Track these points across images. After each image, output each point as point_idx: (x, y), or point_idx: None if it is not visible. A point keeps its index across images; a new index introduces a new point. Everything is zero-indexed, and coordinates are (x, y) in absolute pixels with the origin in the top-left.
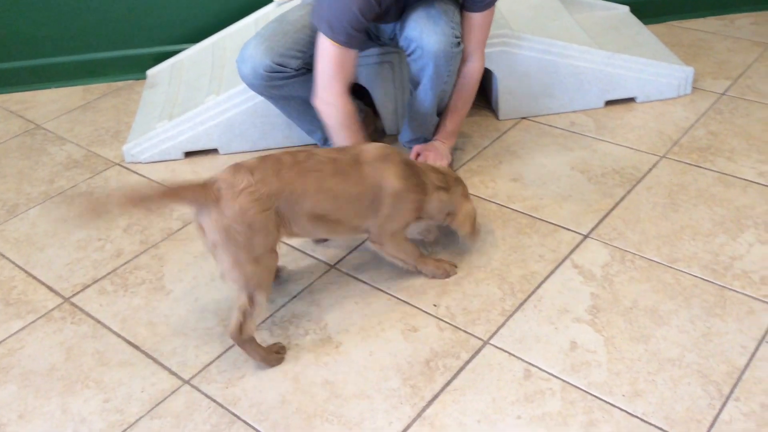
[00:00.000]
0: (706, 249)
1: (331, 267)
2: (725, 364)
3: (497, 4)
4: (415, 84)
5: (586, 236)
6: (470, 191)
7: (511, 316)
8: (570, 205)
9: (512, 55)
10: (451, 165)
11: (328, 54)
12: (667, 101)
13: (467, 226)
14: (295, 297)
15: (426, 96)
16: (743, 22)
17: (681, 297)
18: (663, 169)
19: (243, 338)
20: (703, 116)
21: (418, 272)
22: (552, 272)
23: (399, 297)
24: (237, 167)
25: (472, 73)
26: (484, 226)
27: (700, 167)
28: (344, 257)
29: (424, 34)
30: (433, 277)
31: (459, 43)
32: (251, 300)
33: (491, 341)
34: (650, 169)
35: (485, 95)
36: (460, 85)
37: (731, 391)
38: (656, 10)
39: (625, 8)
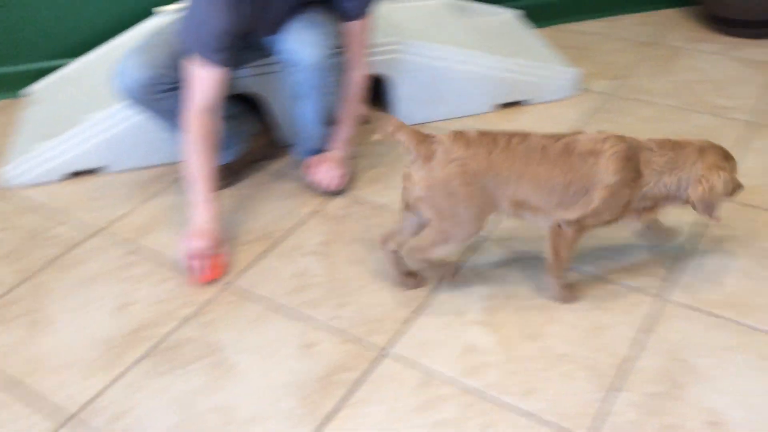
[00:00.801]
0: (591, 244)
1: (226, 284)
2: (612, 356)
3: (388, 12)
4: (299, 96)
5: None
6: (367, 198)
7: (408, 323)
8: None
9: (404, 62)
10: (346, 174)
11: (192, 71)
12: (557, 103)
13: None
14: (187, 320)
15: (309, 108)
16: (627, 23)
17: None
18: None
19: (385, 247)
20: (591, 116)
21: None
22: None
23: (296, 312)
24: (458, 135)
25: (357, 81)
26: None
27: None
28: (243, 271)
29: (300, 46)
30: (556, 297)
31: (338, 54)
32: (432, 246)
33: (389, 350)
34: None
35: (381, 103)
36: (346, 94)
37: (619, 383)
38: (544, 14)
39: (514, 13)
